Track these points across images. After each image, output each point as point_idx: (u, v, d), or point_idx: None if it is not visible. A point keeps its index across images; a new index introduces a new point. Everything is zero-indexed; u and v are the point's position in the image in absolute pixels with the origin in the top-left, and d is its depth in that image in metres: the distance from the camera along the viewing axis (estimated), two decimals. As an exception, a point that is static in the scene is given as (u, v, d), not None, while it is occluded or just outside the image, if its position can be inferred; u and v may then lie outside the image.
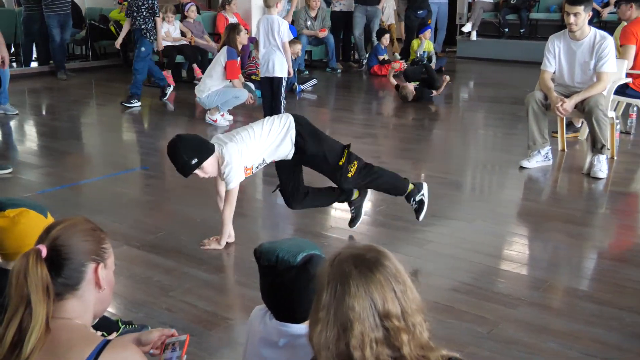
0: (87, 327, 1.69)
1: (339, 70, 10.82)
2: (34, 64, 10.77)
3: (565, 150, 5.85)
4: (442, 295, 3.24)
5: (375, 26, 11.04)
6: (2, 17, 10.14)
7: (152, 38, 8.10)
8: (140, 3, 7.99)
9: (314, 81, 9.26)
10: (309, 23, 10.70)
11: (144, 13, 7.99)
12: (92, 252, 1.68)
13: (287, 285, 1.81)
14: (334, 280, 1.43)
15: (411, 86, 8.25)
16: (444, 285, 3.37)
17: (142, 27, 7.94)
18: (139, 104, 8.01)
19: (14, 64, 10.99)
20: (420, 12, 11.01)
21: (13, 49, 11.53)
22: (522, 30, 11.83)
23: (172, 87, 8.57)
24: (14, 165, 5.44)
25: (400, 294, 1.43)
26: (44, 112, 8.17)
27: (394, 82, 8.60)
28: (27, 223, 2.21)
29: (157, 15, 8.09)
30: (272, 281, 1.85)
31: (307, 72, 9.47)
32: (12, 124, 7.29)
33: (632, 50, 5.95)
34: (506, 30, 11.96)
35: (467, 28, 12.11)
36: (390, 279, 1.43)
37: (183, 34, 9.69)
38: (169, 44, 9.30)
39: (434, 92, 8.34)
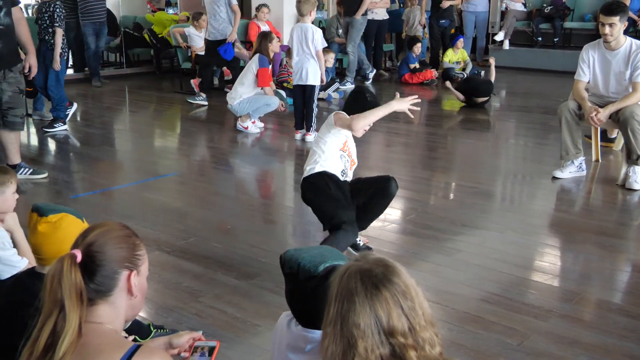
0: (117, 333, 1.70)
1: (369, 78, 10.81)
2: (69, 71, 10.97)
3: (600, 160, 5.77)
4: (472, 306, 3.21)
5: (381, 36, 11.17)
6: (34, 26, 10.33)
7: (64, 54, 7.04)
8: (44, 9, 6.99)
9: (336, 85, 9.28)
10: (340, 31, 10.73)
11: (47, 21, 6.95)
12: (125, 259, 1.69)
13: (308, 294, 1.81)
14: (341, 295, 1.44)
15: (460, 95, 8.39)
16: (473, 295, 3.34)
17: (46, 37, 6.93)
18: (65, 127, 7.23)
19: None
20: (443, 21, 11.09)
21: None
22: (555, 40, 11.72)
23: (74, 107, 7.51)
24: (49, 170, 5.54)
25: (408, 310, 1.42)
26: (78, 118, 8.29)
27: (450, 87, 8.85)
28: (68, 228, 2.24)
29: (58, 24, 6.87)
30: (294, 289, 1.85)
31: (337, 80, 9.48)
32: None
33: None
34: (539, 39, 11.86)
35: (499, 37, 12.03)
36: (397, 296, 1.42)
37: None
38: (202, 53, 9.40)
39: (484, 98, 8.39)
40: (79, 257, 1.61)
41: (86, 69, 10.49)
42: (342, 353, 1.40)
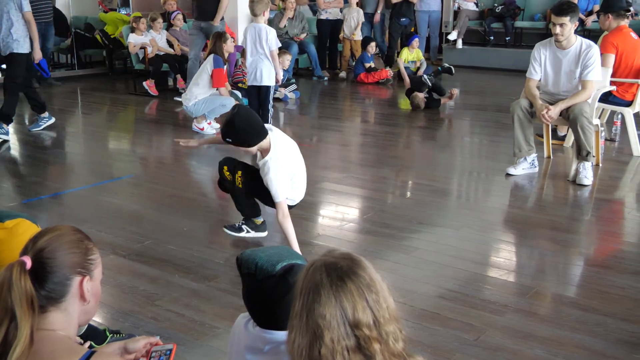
0: (71, 339, 1.67)
1: (325, 78, 10.85)
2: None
3: (551, 157, 5.89)
4: (429, 303, 3.25)
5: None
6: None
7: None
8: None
9: (293, 86, 9.27)
10: (285, 23, 10.67)
11: None
12: (77, 264, 1.66)
13: (266, 294, 1.81)
14: (307, 288, 1.44)
15: (422, 95, 8.30)
16: (430, 292, 3.38)
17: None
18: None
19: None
20: (403, 19, 11.16)
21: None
22: (507, 39, 11.93)
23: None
24: (-1, 175, 5.41)
25: (372, 303, 1.43)
26: (27, 121, 8.11)
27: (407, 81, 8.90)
28: (25, 234, 2.20)
29: None
30: (252, 289, 1.85)
31: (293, 80, 9.48)
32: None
33: (611, 59, 5.99)
34: (491, 38, 12.06)
35: (452, 36, 12.20)
36: (362, 288, 1.43)
37: (170, 43, 9.68)
38: (156, 52, 9.29)
39: (442, 99, 8.41)
40: (29, 264, 1.58)
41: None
42: (309, 345, 1.41)
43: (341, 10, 11.17)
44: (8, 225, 2.29)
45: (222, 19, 8.62)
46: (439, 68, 10.49)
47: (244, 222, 4.05)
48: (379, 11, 11.53)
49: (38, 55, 6.68)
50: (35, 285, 1.58)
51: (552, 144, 5.95)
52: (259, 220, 4.08)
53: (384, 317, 1.43)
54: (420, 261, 3.77)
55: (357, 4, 11.12)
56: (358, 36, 11.12)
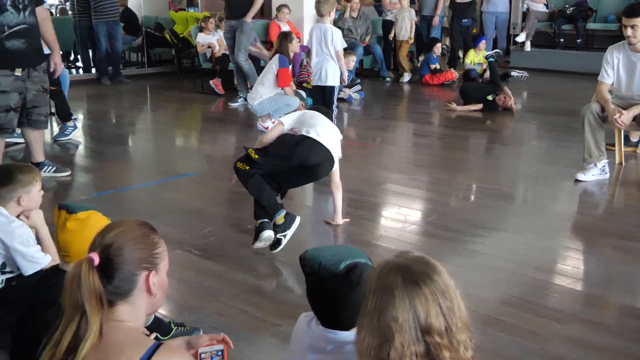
0: (138, 330, 1.71)
1: (389, 79, 10.80)
2: (80, 71, 11.09)
3: (623, 163, 5.71)
4: (492, 308, 3.19)
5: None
6: (60, 26, 10.42)
7: None
8: None
9: (358, 86, 9.27)
10: (350, 24, 10.67)
11: None
12: (143, 260, 1.69)
13: (330, 293, 1.82)
14: (380, 289, 1.43)
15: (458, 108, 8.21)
16: (493, 298, 3.32)
17: None
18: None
19: (73, 71, 11.34)
20: (465, 20, 10.98)
21: (73, 56, 11.92)
22: (578, 41, 11.61)
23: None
24: (72, 169, 5.59)
25: (446, 310, 1.41)
26: (99, 118, 8.38)
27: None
28: (96, 225, 2.26)
29: None
30: (315, 288, 1.86)
31: (358, 81, 9.48)
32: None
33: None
34: (561, 40, 11.76)
35: (521, 38, 11.94)
36: (436, 294, 1.41)
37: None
38: (223, 52, 9.45)
39: (498, 101, 8.23)
40: (97, 261, 1.62)
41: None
42: (378, 346, 1.40)
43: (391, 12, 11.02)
44: (80, 217, 2.38)
45: (253, 17, 8.41)
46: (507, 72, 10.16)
47: (274, 229, 3.80)
48: (437, 14, 11.16)
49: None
50: (103, 281, 1.61)
51: (624, 150, 5.76)
52: (281, 216, 3.81)
53: (457, 325, 1.41)
54: (484, 266, 3.72)
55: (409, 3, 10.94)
56: (404, 37, 10.69)
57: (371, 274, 1.49)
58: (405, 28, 10.70)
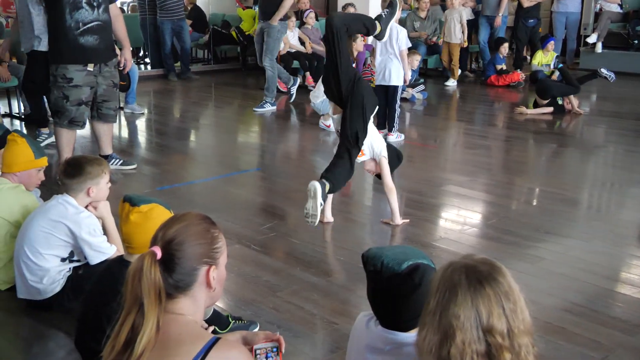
0: (197, 324, 1.73)
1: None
2: (149, 67, 11.34)
3: (696, 171, 5.49)
4: (554, 316, 3.12)
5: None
6: (130, 23, 10.68)
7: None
8: None
9: (421, 86, 9.18)
10: (417, 24, 10.61)
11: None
12: (204, 255, 1.71)
13: (391, 292, 1.82)
14: (444, 287, 1.44)
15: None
16: (556, 305, 3.24)
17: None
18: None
19: (142, 66, 11.63)
20: (531, 20, 10.71)
21: (142, 53, 12.23)
22: (653, 43, 11.21)
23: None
24: (137, 162, 5.75)
25: (509, 312, 1.41)
26: (166, 113, 8.57)
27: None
28: (158, 218, 2.32)
29: None
30: (377, 287, 1.86)
31: (422, 81, 9.40)
32: (138, 122, 7.71)
33: None
34: (635, 42, 11.36)
35: (592, 39, 11.60)
36: (500, 295, 1.41)
37: (301, 40, 9.87)
38: (287, 50, 9.51)
39: (567, 105, 8.02)
40: (159, 255, 1.65)
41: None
42: (439, 343, 1.41)
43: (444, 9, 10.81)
44: (143, 210, 2.44)
45: (284, 19, 8.08)
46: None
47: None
48: (500, 14, 10.72)
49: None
50: (164, 275, 1.64)
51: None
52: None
53: (519, 328, 1.41)
54: (546, 272, 3.64)
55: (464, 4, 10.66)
56: (456, 39, 10.21)
57: (436, 273, 1.50)
58: (455, 30, 10.25)
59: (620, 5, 11.67)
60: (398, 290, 1.80)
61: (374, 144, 4.13)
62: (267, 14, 7.91)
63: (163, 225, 1.73)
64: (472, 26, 11.06)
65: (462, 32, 10.26)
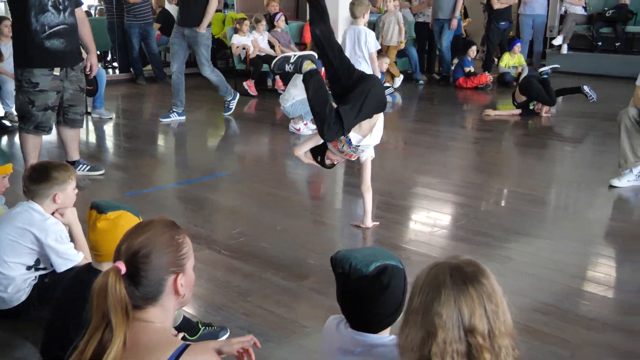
0: (167, 331, 1.72)
1: (421, 82, 10.74)
2: (117, 72, 11.22)
3: (660, 170, 5.58)
4: (524, 316, 3.14)
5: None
6: (98, 26, 10.53)
7: None
8: None
9: (390, 89, 9.23)
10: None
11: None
12: (170, 264, 1.69)
13: (360, 294, 1.82)
14: (428, 286, 1.45)
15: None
16: (525, 305, 3.27)
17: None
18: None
19: (110, 71, 11.51)
20: (503, 23, 10.84)
21: (110, 57, 12.10)
22: (617, 44, 11.41)
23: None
24: (105, 167, 5.68)
25: (491, 313, 1.43)
26: (134, 117, 8.49)
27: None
28: (126, 225, 2.29)
29: None
30: (345, 289, 1.86)
31: (391, 84, 9.45)
32: (106, 127, 7.63)
33: None
34: (599, 43, 11.57)
35: (557, 41, 11.78)
36: (483, 297, 1.44)
37: (271, 44, 9.86)
38: (257, 53, 9.49)
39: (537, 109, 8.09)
40: (123, 270, 1.63)
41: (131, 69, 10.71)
42: (421, 341, 1.42)
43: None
44: (111, 217, 2.41)
45: (209, 26, 7.59)
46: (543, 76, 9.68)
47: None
48: (456, 16, 10.45)
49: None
50: (130, 289, 1.62)
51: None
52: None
53: (500, 329, 1.43)
54: (516, 272, 3.67)
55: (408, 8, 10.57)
56: (393, 42, 9.83)
57: (421, 273, 1.51)
58: (393, 32, 9.90)
59: (585, 8, 11.88)
60: (366, 292, 1.80)
61: (370, 149, 3.98)
62: (190, 21, 7.37)
63: (126, 237, 1.70)
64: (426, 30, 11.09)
65: (400, 33, 9.91)
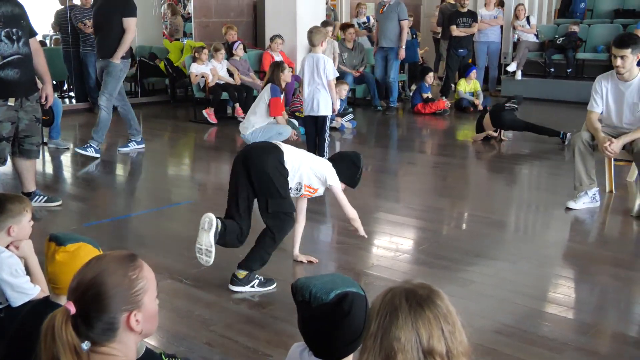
0: None
1: (380, 108, 10.85)
2: (73, 101, 11.09)
3: (614, 192, 5.73)
4: (485, 338, 3.18)
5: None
6: (53, 56, 10.40)
7: None
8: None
9: (350, 115, 9.30)
10: (345, 55, 10.79)
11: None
12: (123, 302, 1.65)
13: (321, 322, 1.81)
14: (384, 310, 1.46)
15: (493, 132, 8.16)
16: (486, 327, 3.31)
17: None
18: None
19: (66, 100, 11.36)
20: (461, 50, 11.12)
21: (66, 86, 11.96)
22: (568, 71, 11.74)
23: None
24: (63, 198, 5.57)
25: (447, 334, 1.44)
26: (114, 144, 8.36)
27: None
28: (85, 257, 2.24)
29: None
30: (306, 316, 1.85)
31: (350, 110, 9.53)
32: (63, 157, 7.51)
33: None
34: (552, 70, 11.90)
35: (512, 67, 12.09)
36: (439, 318, 1.45)
37: (230, 72, 9.87)
38: (216, 81, 9.49)
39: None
40: (73, 311, 1.60)
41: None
42: None
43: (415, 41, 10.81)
44: (69, 249, 2.36)
45: (128, 57, 7.39)
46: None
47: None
48: (402, 45, 10.36)
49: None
50: (82, 328, 1.60)
51: (617, 163, 5.75)
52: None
53: (457, 349, 1.45)
54: (477, 294, 3.70)
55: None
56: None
57: (375, 299, 1.52)
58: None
59: (537, 36, 12.22)
60: (327, 320, 1.80)
61: (318, 174, 3.87)
62: (106, 52, 7.15)
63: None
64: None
65: (335, 63, 9.43)
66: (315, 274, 3.76)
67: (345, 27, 11.06)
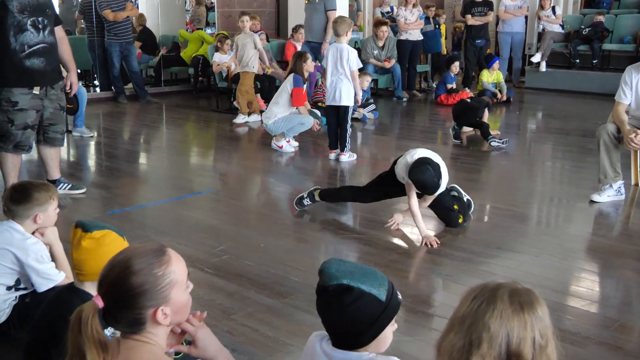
0: (162, 349, 1.72)
1: (404, 99, 10.82)
2: (97, 89, 11.19)
3: (639, 184, 5.66)
4: (506, 331, 3.16)
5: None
6: (78, 45, 10.52)
7: None
8: None
9: (372, 106, 9.27)
10: (375, 52, 10.79)
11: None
12: (149, 299, 1.66)
13: (324, 306, 1.79)
14: (482, 297, 1.44)
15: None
16: (508, 320, 3.28)
17: None
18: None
19: (91, 89, 11.47)
20: (479, 41, 11.02)
21: (91, 74, 12.07)
22: (594, 62, 11.59)
23: None
24: (87, 186, 5.63)
25: (537, 346, 1.41)
26: (115, 135, 8.45)
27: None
28: (111, 245, 2.28)
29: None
30: (322, 302, 1.82)
31: (372, 100, 9.50)
32: (87, 146, 7.58)
33: None
34: (577, 61, 11.75)
35: (536, 58, 11.95)
36: (535, 326, 1.42)
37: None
38: (238, 71, 9.50)
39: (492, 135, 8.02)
40: (100, 305, 1.62)
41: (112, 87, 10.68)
42: (462, 347, 1.40)
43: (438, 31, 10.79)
44: (95, 236, 2.38)
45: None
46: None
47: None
48: (327, 40, 9.44)
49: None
50: (110, 321, 1.64)
51: (640, 171, 5.71)
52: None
53: None
54: (498, 287, 3.68)
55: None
56: (251, 68, 8.76)
57: (476, 285, 1.50)
58: (248, 56, 8.66)
59: (562, 26, 12.06)
60: (328, 306, 1.76)
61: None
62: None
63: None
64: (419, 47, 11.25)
65: (263, 57, 9.05)
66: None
67: (378, 24, 10.84)
